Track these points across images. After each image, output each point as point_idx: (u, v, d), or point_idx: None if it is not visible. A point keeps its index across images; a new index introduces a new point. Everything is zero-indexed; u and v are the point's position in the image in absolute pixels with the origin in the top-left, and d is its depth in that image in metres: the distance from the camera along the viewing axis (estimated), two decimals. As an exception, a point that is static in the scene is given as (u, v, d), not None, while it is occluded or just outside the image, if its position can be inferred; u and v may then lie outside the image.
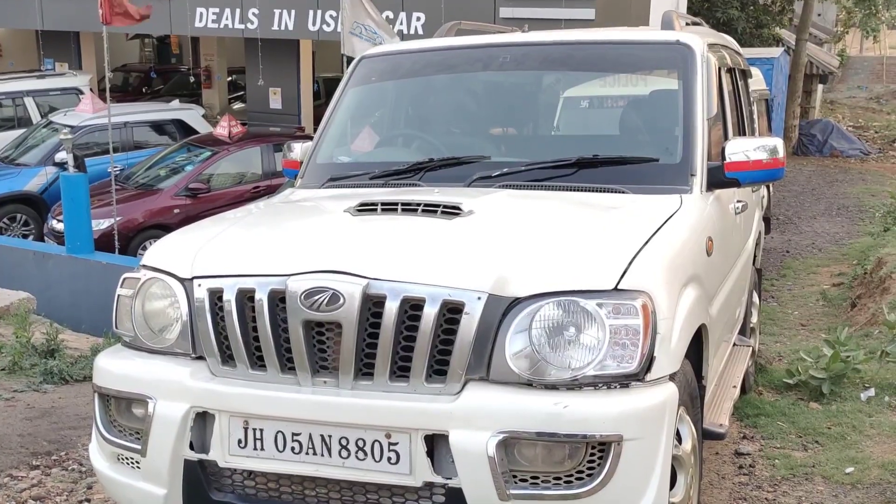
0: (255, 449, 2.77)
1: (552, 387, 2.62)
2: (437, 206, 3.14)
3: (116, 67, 22.72)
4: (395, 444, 2.64)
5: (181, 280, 2.95)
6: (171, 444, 2.82)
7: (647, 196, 3.44)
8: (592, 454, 2.57)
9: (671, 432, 2.73)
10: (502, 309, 2.63)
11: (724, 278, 3.93)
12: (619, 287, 2.66)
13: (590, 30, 5.24)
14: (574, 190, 3.54)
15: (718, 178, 3.61)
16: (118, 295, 3.12)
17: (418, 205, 3.16)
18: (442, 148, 4.06)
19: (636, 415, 2.59)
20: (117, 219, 10.53)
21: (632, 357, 2.62)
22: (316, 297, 2.68)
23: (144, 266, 3.12)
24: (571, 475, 2.58)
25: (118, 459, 3.04)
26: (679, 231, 3.18)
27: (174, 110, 14.79)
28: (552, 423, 2.54)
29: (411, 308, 2.65)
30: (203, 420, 2.84)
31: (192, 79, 21.94)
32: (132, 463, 2.98)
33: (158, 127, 14.29)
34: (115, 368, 3.03)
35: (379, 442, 2.65)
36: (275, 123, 15.53)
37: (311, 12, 14.91)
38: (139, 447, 2.90)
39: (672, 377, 2.76)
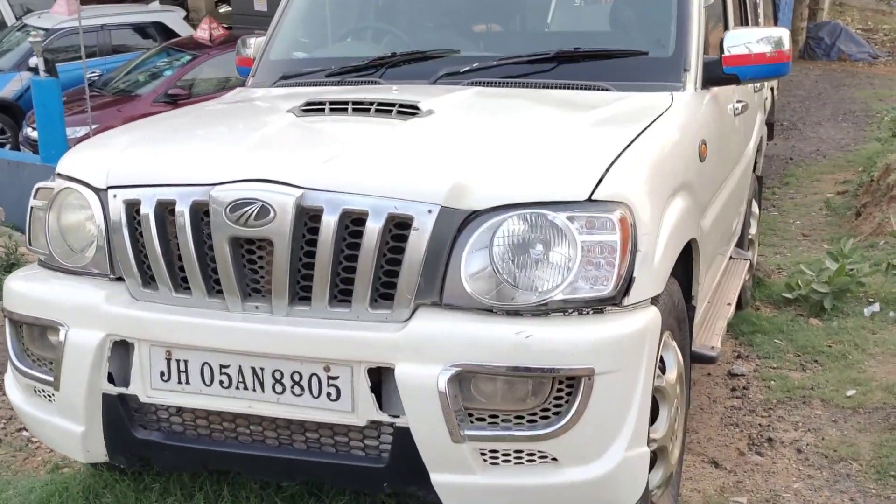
0: (180, 382, 2.44)
1: (515, 313, 2.27)
2: (393, 105, 2.76)
3: (98, -32, 21.82)
4: (335, 378, 2.31)
5: (96, 190, 2.59)
6: (85, 376, 2.49)
7: (633, 94, 3.06)
8: (560, 390, 2.24)
9: (652, 363, 2.40)
10: (457, 223, 2.28)
11: (719, 187, 3.55)
12: (593, 198, 2.29)
13: None
14: (552, 87, 3.15)
15: (716, 74, 3.24)
16: (31, 207, 2.77)
17: (371, 104, 2.79)
18: (410, 43, 3.64)
19: (611, 344, 2.26)
20: (93, 126, 10.08)
21: (607, 278, 2.27)
22: (243, 210, 2.32)
23: (59, 174, 2.75)
24: (535, 414, 2.26)
25: (35, 392, 2.72)
26: (668, 133, 2.80)
27: (154, 12, 14.18)
28: (513, 354, 2.20)
29: (352, 223, 2.30)
30: (124, 349, 2.51)
31: (176, -20, 21.09)
32: (48, 396, 2.66)
33: (138, 30, 13.70)
34: (27, 290, 2.70)
35: (317, 376, 2.32)
36: (260, 27, 14.87)
37: None
38: (52, 379, 2.57)
39: (655, 300, 2.42)
